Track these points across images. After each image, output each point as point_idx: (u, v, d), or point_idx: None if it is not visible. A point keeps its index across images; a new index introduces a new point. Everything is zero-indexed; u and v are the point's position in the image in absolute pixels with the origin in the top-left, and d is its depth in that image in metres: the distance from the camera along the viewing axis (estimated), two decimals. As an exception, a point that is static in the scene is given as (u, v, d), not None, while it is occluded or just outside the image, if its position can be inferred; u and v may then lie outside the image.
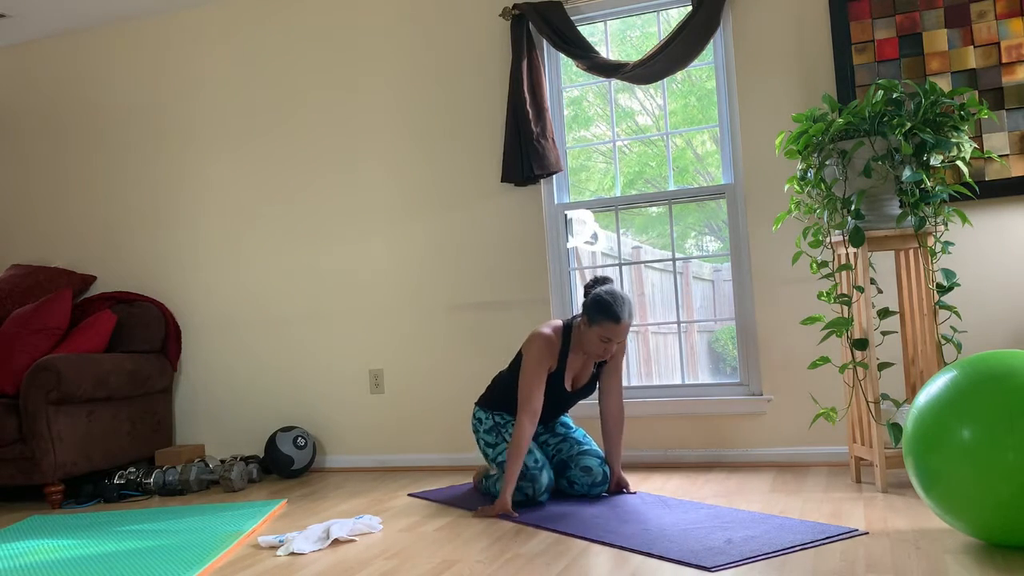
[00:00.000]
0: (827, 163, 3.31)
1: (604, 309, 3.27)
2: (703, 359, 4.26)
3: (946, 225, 3.29)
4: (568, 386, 3.49)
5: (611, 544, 2.73)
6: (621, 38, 4.38)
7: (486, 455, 3.55)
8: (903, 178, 3.18)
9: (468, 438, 4.36)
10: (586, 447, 3.52)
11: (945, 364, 3.26)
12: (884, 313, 3.44)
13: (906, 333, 3.45)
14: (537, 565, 2.56)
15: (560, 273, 4.25)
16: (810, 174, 3.38)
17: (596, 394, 3.92)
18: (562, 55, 4.26)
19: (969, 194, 3.42)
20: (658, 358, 4.33)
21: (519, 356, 3.52)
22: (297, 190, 4.69)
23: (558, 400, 3.50)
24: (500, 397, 3.56)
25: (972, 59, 3.63)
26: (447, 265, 4.41)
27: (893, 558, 2.40)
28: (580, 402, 3.81)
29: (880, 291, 3.53)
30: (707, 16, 3.89)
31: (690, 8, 3.98)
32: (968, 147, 3.24)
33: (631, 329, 4.26)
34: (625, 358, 4.24)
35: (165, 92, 4.95)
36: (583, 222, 4.30)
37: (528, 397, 3.30)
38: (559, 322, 3.46)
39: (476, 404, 3.65)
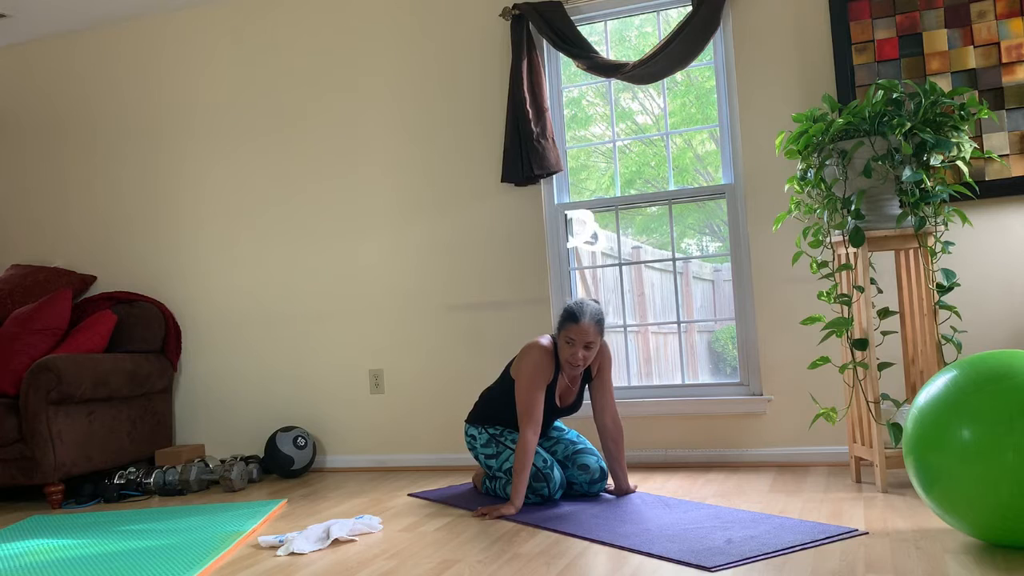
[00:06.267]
0: (827, 163, 3.31)
1: (566, 313, 3.35)
2: (703, 359, 4.26)
3: (946, 225, 3.29)
4: (557, 401, 3.50)
5: (611, 544, 2.73)
6: (620, 38, 4.38)
7: (489, 468, 3.54)
8: (903, 178, 3.18)
9: (468, 438, 4.36)
10: (581, 446, 3.53)
11: (945, 364, 3.27)
12: (884, 313, 3.44)
13: (906, 333, 3.45)
14: (537, 565, 2.56)
15: (560, 273, 4.25)
16: (810, 174, 3.38)
17: (592, 414, 3.90)
18: (562, 55, 4.26)
19: (969, 194, 3.42)
20: (658, 358, 4.33)
21: (506, 371, 3.53)
22: (297, 190, 4.69)
23: (548, 414, 3.50)
24: (493, 412, 3.56)
25: (972, 59, 3.63)
26: (447, 265, 4.42)
27: (893, 558, 2.40)
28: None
29: (880, 291, 3.53)
30: (707, 16, 3.89)
31: (690, 8, 3.98)
32: (968, 147, 3.24)
33: (631, 330, 4.26)
34: (615, 367, 4.25)
35: (165, 92, 4.95)
36: (583, 222, 4.30)
37: (529, 409, 3.30)
38: (548, 336, 3.47)
39: (466, 421, 3.64)
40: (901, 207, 3.29)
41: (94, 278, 5.02)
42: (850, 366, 3.32)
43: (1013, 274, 3.62)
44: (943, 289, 3.26)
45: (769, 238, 3.91)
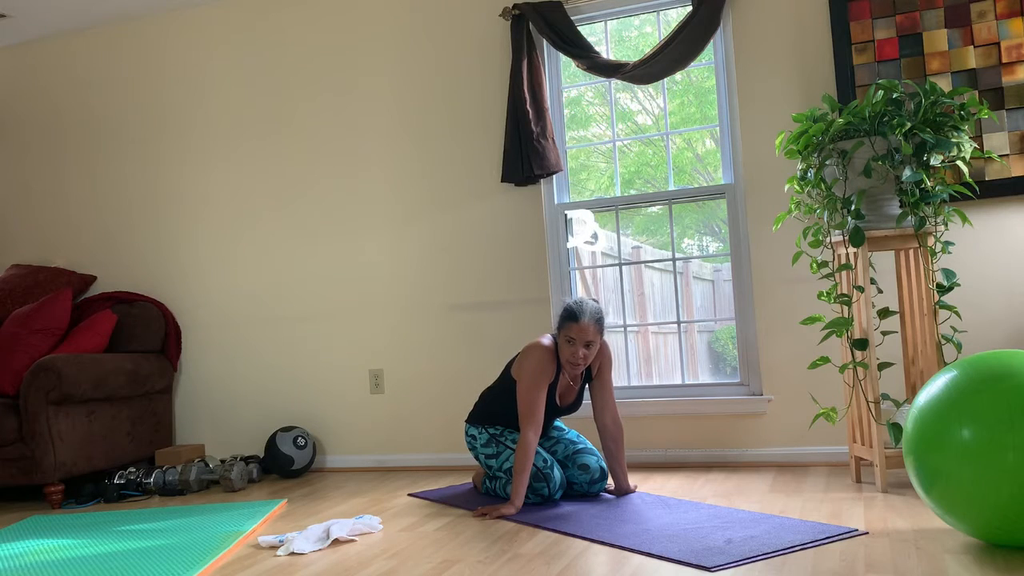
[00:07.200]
0: (827, 163, 3.31)
1: (566, 312, 3.36)
2: (703, 359, 4.26)
3: (946, 225, 3.29)
4: (557, 401, 3.50)
5: (611, 544, 2.73)
6: (620, 38, 4.38)
7: (489, 467, 3.54)
8: (903, 178, 3.18)
9: (468, 438, 4.36)
10: (581, 446, 3.53)
11: (945, 364, 3.27)
12: (884, 313, 3.44)
13: (906, 333, 3.45)
14: (537, 565, 2.56)
15: (560, 273, 4.25)
16: (810, 174, 3.38)
17: (592, 413, 3.90)
18: (562, 55, 4.26)
19: (969, 194, 3.42)
20: (658, 358, 4.33)
21: (507, 371, 3.53)
22: (298, 190, 4.69)
23: (548, 413, 3.51)
24: (493, 412, 3.56)
25: (972, 59, 3.62)
26: (447, 265, 4.42)
27: (893, 558, 2.40)
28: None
29: (880, 291, 3.53)
30: (707, 16, 3.89)
31: (690, 8, 3.98)
32: (968, 147, 3.24)
33: (631, 330, 4.26)
34: (615, 367, 4.25)
35: (165, 92, 4.95)
36: (583, 222, 4.30)
37: (531, 409, 3.31)
38: (550, 336, 3.47)
39: (467, 421, 3.64)
40: (901, 207, 3.29)
41: (94, 278, 5.02)
42: (850, 366, 3.32)
43: (1013, 274, 3.62)
44: (943, 289, 3.26)
45: (769, 238, 3.91)
